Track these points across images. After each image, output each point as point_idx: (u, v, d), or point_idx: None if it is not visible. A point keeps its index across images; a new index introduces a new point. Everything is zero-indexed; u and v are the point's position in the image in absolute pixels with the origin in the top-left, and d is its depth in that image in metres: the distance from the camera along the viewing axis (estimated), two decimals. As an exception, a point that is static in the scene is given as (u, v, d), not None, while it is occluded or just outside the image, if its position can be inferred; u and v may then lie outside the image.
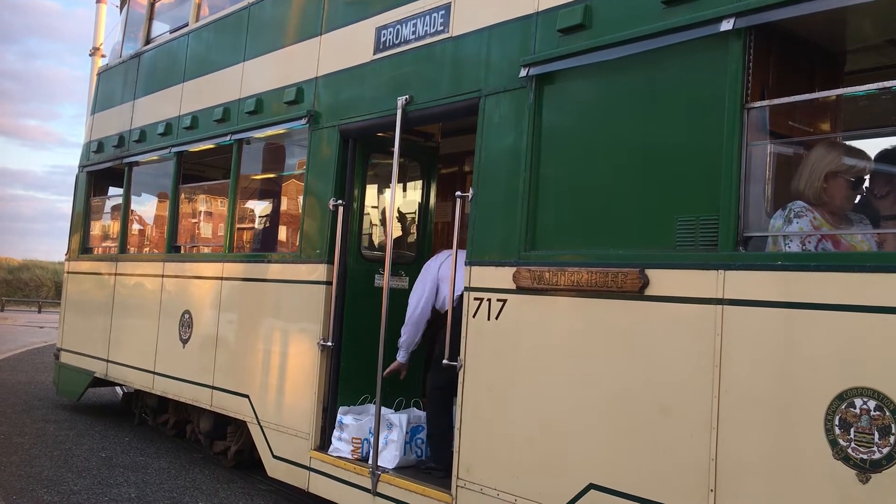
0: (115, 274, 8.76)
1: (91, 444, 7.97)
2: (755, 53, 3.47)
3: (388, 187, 5.73)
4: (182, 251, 7.98)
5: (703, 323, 3.46)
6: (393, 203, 5.61)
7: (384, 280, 5.39)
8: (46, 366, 13.58)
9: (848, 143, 3.75)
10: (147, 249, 9.36)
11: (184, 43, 8.12)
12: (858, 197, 3.67)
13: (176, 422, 8.26)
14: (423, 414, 5.48)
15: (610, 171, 4.05)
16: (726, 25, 3.45)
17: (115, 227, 9.43)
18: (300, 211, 6.22)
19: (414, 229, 6.53)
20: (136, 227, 9.54)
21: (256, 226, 8.16)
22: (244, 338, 6.57)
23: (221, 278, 6.91)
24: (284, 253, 7.02)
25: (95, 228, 10.11)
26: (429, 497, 4.74)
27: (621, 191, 3.97)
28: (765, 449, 3.21)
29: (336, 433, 5.56)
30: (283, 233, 7.68)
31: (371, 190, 6.36)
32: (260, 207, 8.39)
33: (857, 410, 2.95)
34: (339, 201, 5.66)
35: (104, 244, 9.93)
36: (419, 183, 6.52)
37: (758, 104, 3.48)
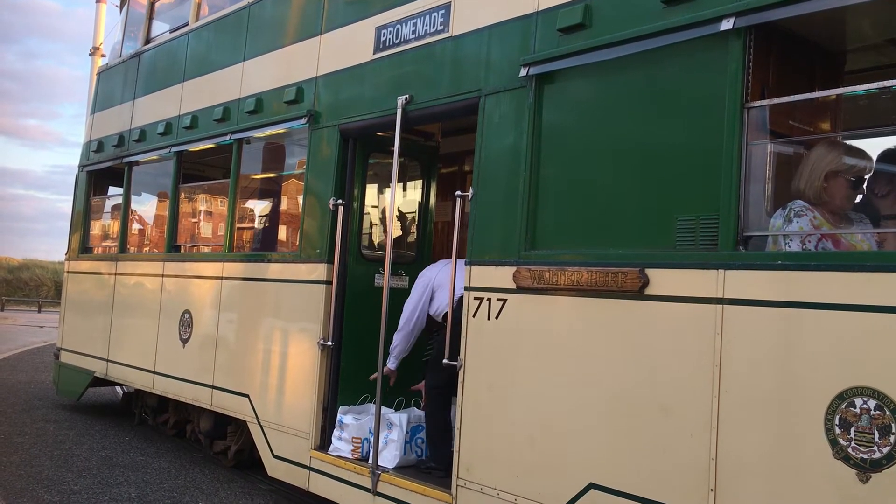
0: (115, 273, 8.76)
1: (91, 443, 7.97)
2: (755, 53, 3.47)
3: (388, 187, 5.73)
4: (182, 251, 7.98)
5: (703, 322, 3.46)
6: (393, 202, 5.61)
7: (384, 280, 5.39)
8: (46, 365, 13.58)
9: (848, 142, 3.75)
10: (147, 249, 9.35)
11: (184, 42, 8.12)
12: (859, 196, 3.66)
13: (176, 421, 8.26)
14: (423, 413, 5.48)
15: (610, 171, 4.05)
16: (726, 25, 3.45)
17: (114, 227, 9.44)
18: (300, 210, 6.22)
19: (414, 229, 6.53)
20: (135, 226, 9.54)
21: (256, 225, 8.16)
22: (244, 337, 6.57)
23: (221, 278, 6.91)
24: (284, 252, 7.02)
25: (95, 228, 10.11)
26: (429, 497, 4.74)
27: (621, 190, 3.97)
28: (765, 448, 3.21)
29: (336, 433, 5.56)
30: (283, 232, 7.68)
31: (371, 189, 6.36)
32: (260, 207, 8.39)
33: (858, 410, 2.95)
34: (339, 201, 5.66)
35: (104, 244, 9.93)
36: (419, 182, 6.52)
37: (758, 104, 3.48)
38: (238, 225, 7.33)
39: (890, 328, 2.90)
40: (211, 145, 7.45)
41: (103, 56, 18.99)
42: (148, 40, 8.95)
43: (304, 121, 6.07)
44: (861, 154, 3.61)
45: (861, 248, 3.45)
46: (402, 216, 6.69)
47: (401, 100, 5.21)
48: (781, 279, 3.26)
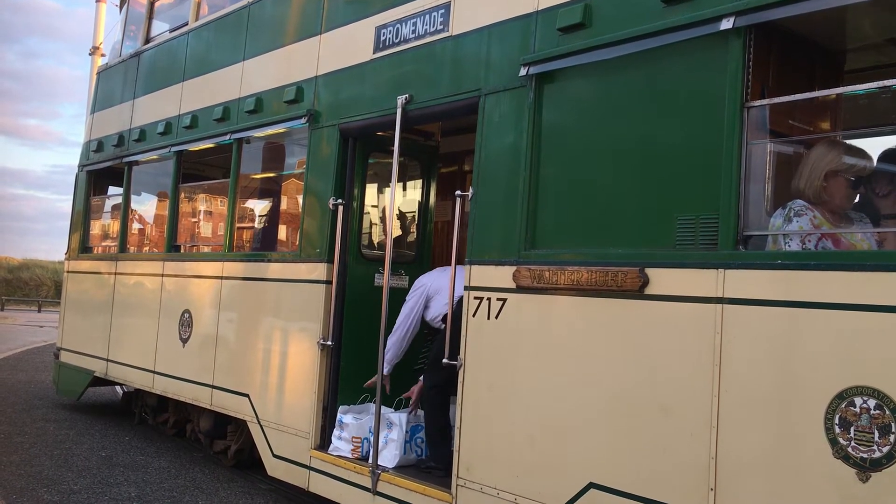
0: (115, 273, 8.76)
1: (91, 443, 7.97)
2: (755, 52, 3.47)
3: (388, 186, 5.73)
4: (182, 250, 7.98)
5: (702, 322, 3.46)
6: (393, 202, 5.61)
7: (384, 279, 5.39)
8: (46, 365, 13.58)
9: (848, 141, 3.75)
10: (147, 249, 9.35)
11: (183, 42, 8.12)
12: (858, 196, 3.66)
13: (176, 421, 8.26)
14: (422, 413, 5.48)
15: (610, 170, 4.05)
16: (726, 24, 3.45)
17: (114, 227, 9.43)
18: (300, 210, 6.22)
19: (414, 228, 6.53)
20: (135, 226, 9.54)
21: (256, 225, 8.16)
22: (244, 337, 6.57)
23: (221, 277, 6.91)
24: (284, 252, 7.02)
25: (95, 228, 10.11)
26: (429, 496, 4.74)
27: (621, 190, 3.97)
28: (765, 448, 3.21)
29: (336, 432, 5.56)
30: (282, 232, 7.68)
31: (371, 189, 6.36)
32: (260, 207, 8.38)
33: (857, 409, 2.95)
34: (339, 200, 5.66)
35: (104, 243, 9.93)
36: (419, 182, 6.52)
37: (758, 103, 3.48)
38: (238, 224, 7.33)
39: (890, 328, 2.90)
40: (211, 145, 7.45)
41: (103, 56, 19.01)
42: (148, 40, 8.95)
43: (303, 120, 6.07)
44: (861, 153, 3.61)
45: (861, 248, 3.45)
46: (401, 216, 6.69)
47: (401, 99, 5.21)
48: (781, 279, 3.26)
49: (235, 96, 7.01)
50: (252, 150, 7.26)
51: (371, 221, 6.56)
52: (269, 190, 8.12)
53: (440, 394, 5.22)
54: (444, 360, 4.75)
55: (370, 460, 5.22)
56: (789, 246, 3.41)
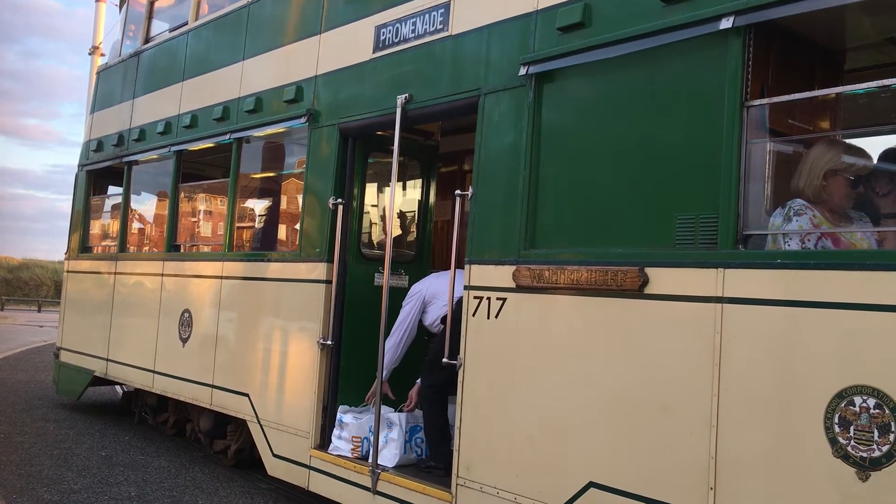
0: (115, 273, 8.76)
1: (91, 442, 7.97)
2: (755, 51, 3.47)
3: (388, 186, 5.73)
4: (182, 250, 7.98)
5: (702, 321, 3.46)
6: (392, 202, 5.61)
7: (384, 279, 5.39)
8: (46, 365, 13.58)
9: (847, 141, 3.75)
10: (147, 248, 9.35)
11: (183, 42, 8.11)
12: (858, 195, 3.66)
13: (176, 420, 8.26)
14: (421, 413, 5.48)
15: (609, 170, 4.05)
16: (726, 23, 3.45)
17: (114, 226, 9.43)
18: (300, 210, 6.22)
19: (414, 228, 6.53)
20: (135, 225, 9.54)
21: (256, 225, 8.16)
22: (244, 337, 6.57)
23: (221, 277, 6.91)
24: (284, 252, 7.02)
25: (95, 227, 10.11)
26: (429, 496, 4.74)
27: (621, 189, 3.97)
28: (764, 447, 3.21)
29: (336, 432, 5.56)
30: (282, 231, 7.68)
31: (371, 188, 6.36)
32: (259, 206, 8.38)
33: (857, 408, 2.95)
34: (339, 200, 5.66)
35: (104, 243, 9.93)
36: (419, 181, 6.52)
37: (757, 102, 3.48)
38: (238, 224, 7.33)
39: (889, 327, 2.90)
40: (210, 144, 7.45)
41: (103, 55, 19.02)
42: (147, 39, 8.95)
43: (303, 120, 6.07)
44: (860, 152, 3.61)
45: (861, 247, 3.45)
46: (401, 215, 6.69)
47: (400, 99, 5.20)
48: (781, 278, 3.26)
49: (235, 96, 7.01)
50: (252, 149, 7.26)
51: (371, 221, 6.56)
52: (269, 189, 8.12)
53: (439, 393, 5.22)
54: (444, 360, 4.75)
55: (370, 460, 5.22)
56: (789, 245, 3.41)
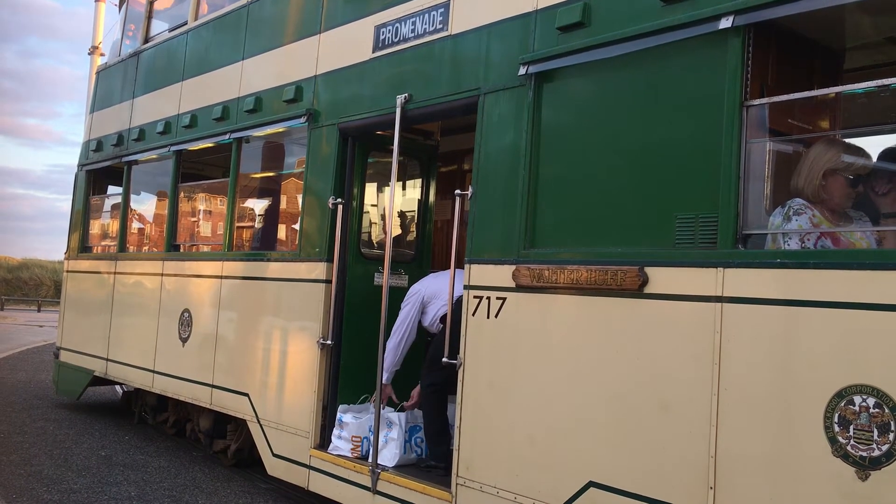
0: (115, 273, 8.76)
1: (91, 442, 7.97)
2: (754, 51, 3.47)
3: (388, 186, 5.73)
4: (181, 250, 7.98)
5: (702, 321, 3.46)
6: (392, 201, 5.61)
7: (384, 278, 5.39)
8: (46, 365, 13.58)
9: (847, 140, 3.75)
10: (146, 248, 9.36)
11: (183, 41, 8.11)
12: (857, 194, 3.66)
13: (176, 420, 8.27)
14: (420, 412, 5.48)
15: (609, 169, 4.05)
16: (725, 23, 3.45)
17: (114, 226, 9.43)
18: (300, 209, 6.22)
19: (413, 228, 6.53)
20: (135, 225, 9.54)
21: (256, 224, 8.16)
22: (244, 336, 6.57)
23: (221, 277, 6.91)
24: (284, 251, 7.02)
25: (95, 227, 10.11)
26: (428, 495, 4.74)
27: (621, 189, 3.97)
28: (764, 446, 3.22)
29: (336, 431, 5.56)
30: (282, 231, 7.68)
31: (370, 188, 6.36)
32: (259, 206, 8.39)
33: (857, 408, 2.95)
34: (339, 200, 5.66)
35: (103, 243, 9.93)
36: (418, 181, 6.52)
37: (757, 102, 3.48)
38: (237, 224, 7.33)
39: (889, 326, 2.90)
40: (210, 144, 7.45)
41: (102, 55, 19.03)
42: (147, 39, 8.94)
43: (303, 119, 6.07)
44: (859, 152, 3.61)
45: (860, 247, 3.45)
46: (401, 215, 6.69)
47: (400, 98, 5.21)
48: (781, 277, 3.26)
49: (235, 96, 7.01)
50: (251, 149, 7.26)
51: (371, 220, 6.56)
52: (269, 189, 8.12)
53: (439, 392, 5.22)
54: (444, 359, 4.76)
55: (370, 459, 5.22)
56: (788, 245, 3.41)
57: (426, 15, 5.17)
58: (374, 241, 6.53)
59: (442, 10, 5.06)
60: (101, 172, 9.83)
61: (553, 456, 4.05)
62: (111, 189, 10.07)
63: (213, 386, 6.80)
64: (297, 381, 5.88)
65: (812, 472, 3.06)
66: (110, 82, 9.58)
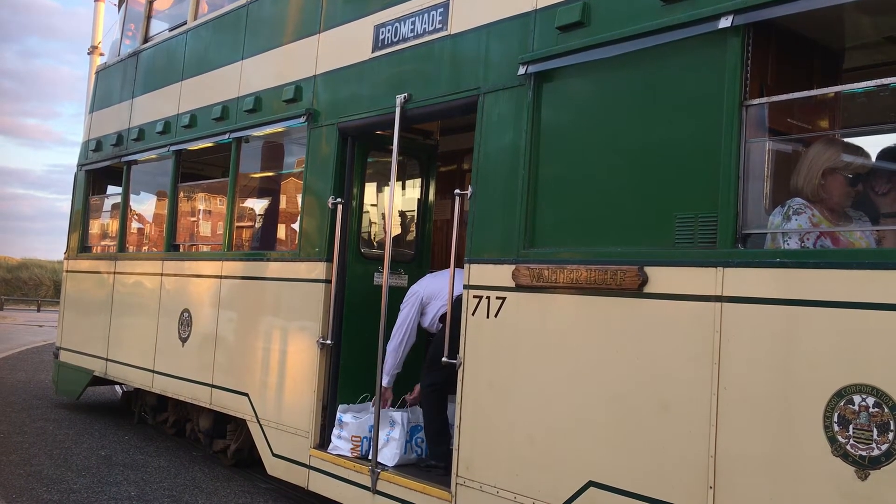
0: (114, 273, 8.76)
1: (91, 442, 7.97)
2: (753, 50, 3.47)
3: (387, 185, 5.73)
4: (181, 249, 7.98)
5: (702, 320, 3.46)
6: (392, 201, 5.61)
7: (383, 278, 5.39)
8: (46, 365, 13.58)
9: (846, 140, 3.75)
10: (146, 248, 9.35)
11: (182, 41, 8.11)
12: (857, 194, 3.66)
13: (175, 420, 8.27)
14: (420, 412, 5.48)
15: (609, 169, 4.05)
16: (724, 22, 3.45)
17: (113, 226, 9.43)
18: (299, 209, 6.22)
19: (413, 227, 6.53)
20: (134, 225, 9.54)
21: (255, 224, 8.16)
22: (243, 336, 6.57)
23: (220, 277, 6.91)
24: (284, 251, 7.02)
25: (94, 227, 10.11)
26: (428, 495, 4.75)
27: (620, 188, 3.97)
28: (764, 446, 3.22)
29: (336, 431, 5.56)
30: (282, 231, 7.68)
31: (370, 188, 6.36)
32: (259, 206, 8.39)
33: (856, 407, 2.95)
34: (339, 199, 5.66)
35: (103, 243, 9.93)
36: (418, 181, 6.52)
37: (756, 101, 3.48)
38: (237, 224, 7.33)
39: (888, 326, 2.90)
40: (210, 144, 7.45)
41: (102, 55, 19.01)
42: (146, 39, 8.94)
43: (302, 119, 6.07)
44: (858, 151, 3.61)
45: (859, 246, 3.45)
46: (401, 214, 6.69)
47: (399, 98, 5.21)
48: (780, 277, 3.26)
49: (234, 95, 7.01)
50: (251, 149, 7.26)
51: (370, 220, 6.56)
52: (269, 189, 8.12)
53: (438, 392, 5.23)
54: (444, 359, 4.76)
55: (370, 459, 5.22)
56: (788, 244, 3.41)
57: (426, 15, 5.17)
58: (374, 241, 6.53)
59: (441, 9, 5.06)
60: (101, 172, 9.82)
61: (553, 455, 4.05)
62: (111, 189, 10.06)
63: (212, 386, 6.80)
64: (297, 380, 5.88)
65: (812, 472, 3.06)
66: (110, 82, 9.58)
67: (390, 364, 5.37)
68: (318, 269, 5.78)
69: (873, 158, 3.67)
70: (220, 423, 7.20)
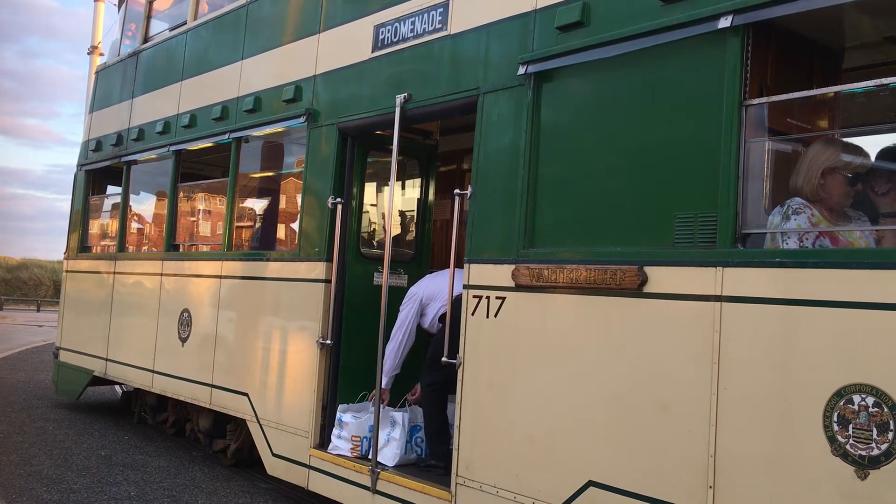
0: (114, 273, 8.76)
1: (90, 442, 7.97)
2: (753, 50, 3.47)
3: (387, 185, 5.73)
4: (181, 249, 7.98)
5: (701, 320, 3.47)
6: (392, 201, 5.61)
7: (383, 278, 5.39)
8: (45, 364, 13.58)
9: (846, 139, 3.76)
10: (146, 248, 9.36)
11: (182, 41, 8.11)
12: (856, 193, 3.67)
13: (175, 420, 8.27)
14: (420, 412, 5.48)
15: (608, 169, 4.06)
16: (724, 22, 3.46)
17: (113, 226, 9.43)
18: (299, 209, 6.22)
19: (413, 227, 6.53)
20: (134, 225, 9.54)
21: (255, 224, 8.16)
22: (243, 336, 6.57)
23: (220, 277, 6.91)
24: (283, 251, 7.02)
25: (94, 227, 10.11)
26: (428, 494, 4.75)
27: (620, 188, 3.97)
28: (763, 446, 3.22)
29: (335, 431, 5.56)
30: (281, 231, 7.68)
31: (370, 188, 6.36)
32: (259, 206, 8.39)
33: (856, 407, 2.95)
34: (338, 199, 5.67)
35: (103, 243, 9.93)
36: (418, 181, 6.52)
37: (756, 101, 3.48)
38: (237, 224, 7.33)
39: (888, 325, 2.90)
40: (209, 144, 7.45)
41: (102, 55, 18.99)
42: (146, 39, 8.94)
43: (302, 119, 6.07)
44: (857, 151, 3.62)
45: (859, 246, 3.45)
46: (401, 214, 6.69)
47: (399, 98, 5.21)
48: (780, 276, 3.26)
49: (234, 95, 7.01)
50: (251, 149, 7.26)
51: (370, 220, 6.56)
52: (268, 189, 8.12)
53: (438, 392, 5.23)
54: (444, 359, 4.76)
55: (370, 458, 5.22)
56: (787, 244, 3.42)
57: (425, 15, 5.17)
58: (374, 241, 6.54)
59: (441, 9, 5.06)
60: (101, 172, 9.82)
61: (552, 455, 4.05)
62: (110, 189, 10.06)
63: (212, 386, 6.80)
64: (297, 380, 5.88)
65: (811, 472, 3.06)
66: (109, 82, 9.58)
67: (389, 366, 5.38)
68: (317, 269, 5.78)
69: (873, 158, 3.67)
70: (219, 423, 7.20)
